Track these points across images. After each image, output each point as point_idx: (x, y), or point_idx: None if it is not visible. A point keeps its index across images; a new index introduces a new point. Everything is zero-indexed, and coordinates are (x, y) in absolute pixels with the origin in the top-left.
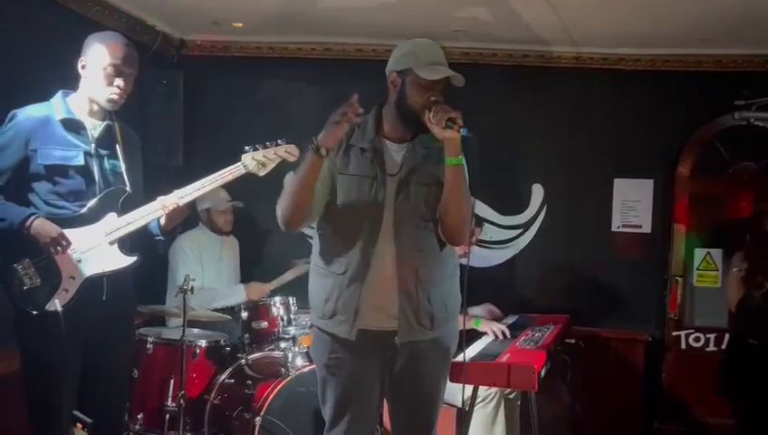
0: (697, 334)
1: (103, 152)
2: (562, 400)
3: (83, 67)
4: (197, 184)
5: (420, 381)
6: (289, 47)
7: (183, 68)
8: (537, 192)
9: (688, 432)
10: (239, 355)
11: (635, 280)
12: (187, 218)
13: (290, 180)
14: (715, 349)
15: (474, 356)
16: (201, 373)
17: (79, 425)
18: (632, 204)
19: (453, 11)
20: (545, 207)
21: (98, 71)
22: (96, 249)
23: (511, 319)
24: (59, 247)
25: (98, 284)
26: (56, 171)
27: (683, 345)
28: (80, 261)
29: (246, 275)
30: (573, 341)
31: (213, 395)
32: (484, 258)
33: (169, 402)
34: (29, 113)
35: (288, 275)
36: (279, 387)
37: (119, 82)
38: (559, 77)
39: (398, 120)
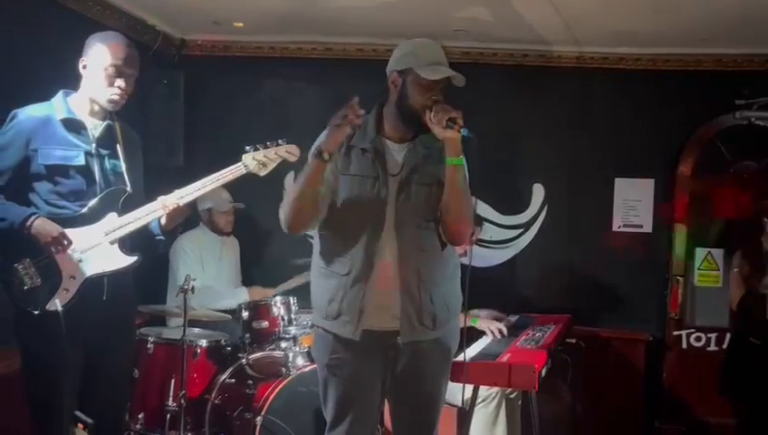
0: (698, 334)
1: (104, 152)
2: (563, 399)
3: (84, 67)
4: (198, 184)
5: (422, 381)
6: (289, 47)
7: (184, 68)
8: (538, 192)
9: (689, 432)
10: (240, 355)
11: (636, 280)
12: (187, 218)
13: (292, 184)
14: (716, 348)
15: (474, 356)
16: (202, 373)
17: (80, 425)
18: (633, 204)
19: (453, 11)
20: (546, 207)
21: (99, 71)
22: (96, 249)
23: (511, 319)
24: (59, 247)
25: (98, 283)
26: (57, 171)
27: (684, 345)
28: (80, 261)
29: (247, 276)
30: (574, 340)
31: (214, 395)
32: (484, 258)
33: (170, 402)
34: (30, 113)
35: (292, 283)
36: (280, 387)
37: (120, 82)
38: (559, 77)
39: (399, 120)
